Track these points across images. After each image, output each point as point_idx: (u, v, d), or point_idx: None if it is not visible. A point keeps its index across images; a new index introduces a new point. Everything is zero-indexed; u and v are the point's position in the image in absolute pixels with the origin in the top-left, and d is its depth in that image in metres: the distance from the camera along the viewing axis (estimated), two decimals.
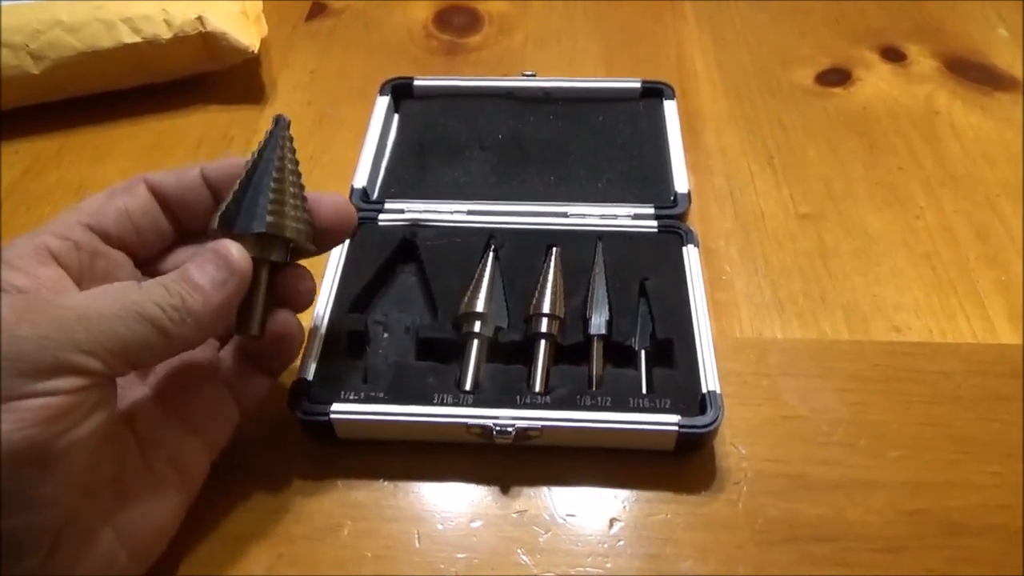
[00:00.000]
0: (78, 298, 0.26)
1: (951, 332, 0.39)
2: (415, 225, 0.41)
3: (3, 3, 0.50)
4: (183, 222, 0.32)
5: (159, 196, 0.31)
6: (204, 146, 0.50)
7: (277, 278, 0.31)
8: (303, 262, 0.33)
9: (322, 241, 0.32)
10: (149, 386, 0.31)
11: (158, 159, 0.49)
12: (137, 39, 0.49)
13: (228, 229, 0.29)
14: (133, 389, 0.31)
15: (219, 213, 0.30)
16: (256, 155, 0.30)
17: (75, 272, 0.29)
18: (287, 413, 0.34)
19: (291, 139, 0.31)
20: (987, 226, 0.44)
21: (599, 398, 0.34)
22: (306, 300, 0.32)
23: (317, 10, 0.61)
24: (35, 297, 0.27)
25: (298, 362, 0.35)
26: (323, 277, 0.38)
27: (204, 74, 0.53)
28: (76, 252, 0.29)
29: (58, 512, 0.25)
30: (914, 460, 0.34)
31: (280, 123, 0.31)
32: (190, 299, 0.27)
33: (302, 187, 0.31)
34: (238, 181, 0.30)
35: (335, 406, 0.33)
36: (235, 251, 0.28)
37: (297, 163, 0.31)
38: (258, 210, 0.29)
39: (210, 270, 0.28)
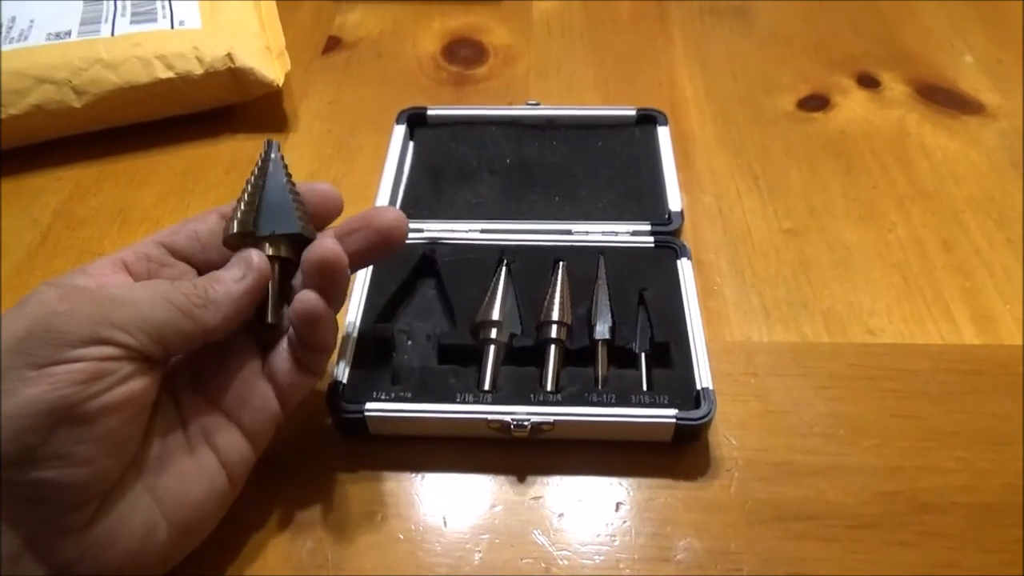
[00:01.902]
0: (115, 287, 0.31)
1: (920, 334, 0.43)
2: (433, 243, 0.45)
3: (47, 42, 0.54)
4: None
5: None
6: (233, 172, 0.54)
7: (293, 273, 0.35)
8: None
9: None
10: (194, 379, 0.34)
11: (191, 184, 0.53)
12: (171, 74, 0.53)
13: (240, 232, 0.33)
14: (178, 381, 0.33)
15: (233, 220, 0.34)
16: (255, 172, 0.35)
17: (142, 279, 0.33)
18: (324, 413, 0.38)
19: (281, 155, 0.35)
20: (953, 238, 0.48)
21: (604, 395, 0.37)
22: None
23: (332, 44, 0.65)
24: (80, 286, 0.31)
25: (334, 366, 0.39)
26: (352, 291, 0.42)
27: (232, 105, 0.56)
28: (146, 262, 0.33)
29: (97, 471, 0.28)
30: (887, 448, 0.38)
31: (271, 146, 0.35)
32: (212, 290, 0.31)
33: (297, 193, 0.35)
34: (245, 193, 0.34)
35: (368, 405, 0.37)
36: (255, 256, 0.33)
37: (291, 175, 0.35)
38: (262, 216, 0.33)
39: (233, 268, 0.32)
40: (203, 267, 0.35)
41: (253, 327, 0.34)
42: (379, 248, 0.35)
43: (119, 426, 0.28)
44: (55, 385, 0.27)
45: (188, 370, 0.34)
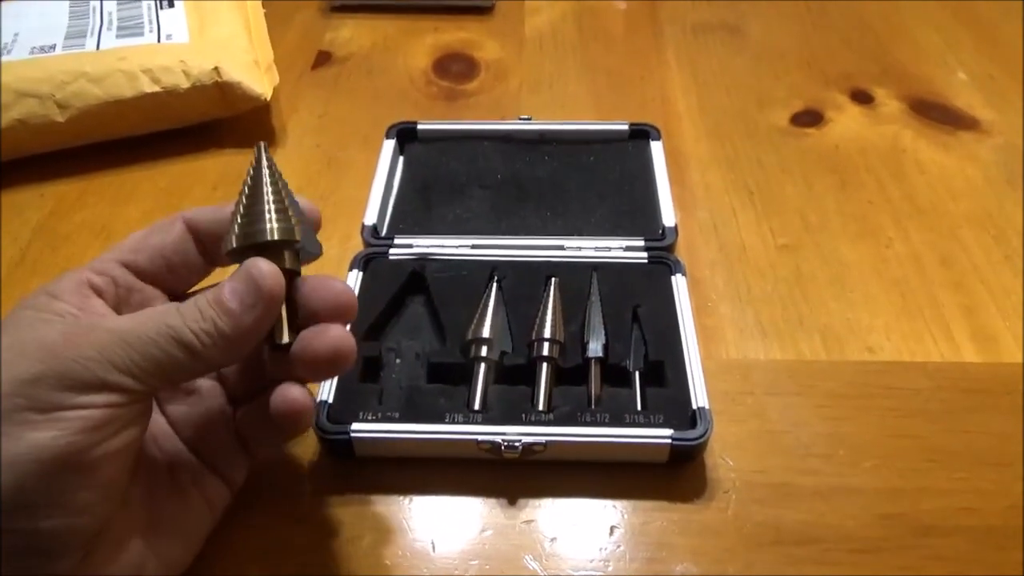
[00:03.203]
0: (119, 322, 0.29)
1: (919, 352, 0.42)
2: (423, 259, 0.44)
3: (30, 56, 0.53)
4: (214, 256, 0.34)
5: (194, 230, 0.33)
6: (220, 188, 0.53)
7: (304, 289, 0.32)
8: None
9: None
10: (172, 420, 0.33)
11: (176, 200, 0.52)
12: (157, 88, 0.52)
13: (240, 245, 0.31)
14: (161, 416, 0.33)
15: (230, 235, 0.31)
16: (248, 181, 0.32)
17: (112, 304, 0.31)
18: (309, 432, 0.37)
19: (273, 161, 0.32)
20: (951, 255, 0.48)
21: (598, 415, 0.37)
22: (345, 299, 0.32)
23: (322, 59, 0.65)
24: (81, 322, 0.29)
25: (319, 386, 0.38)
26: None
27: (219, 120, 0.55)
28: (114, 287, 0.32)
29: (93, 517, 0.27)
30: (887, 469, 0.37)
31: (260, 148, 0.32)
32: (221, 323, 0.28)
33: (295, 200, 0.32)
34: (240, 206, 0.31)
35: (354, 425, 0.36)
36: (269, 279, 0.29)
37: (285, 181, 0.32)
38: (264, 223, 0.31)
39: (240, 290, 0.29)
40: (173, 287, 0.33)
41: (264, 346, 0.31)
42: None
43: (119, 470, 0.28)
44: (65, 431, 0.26)
45: (163, 408, 0.34)
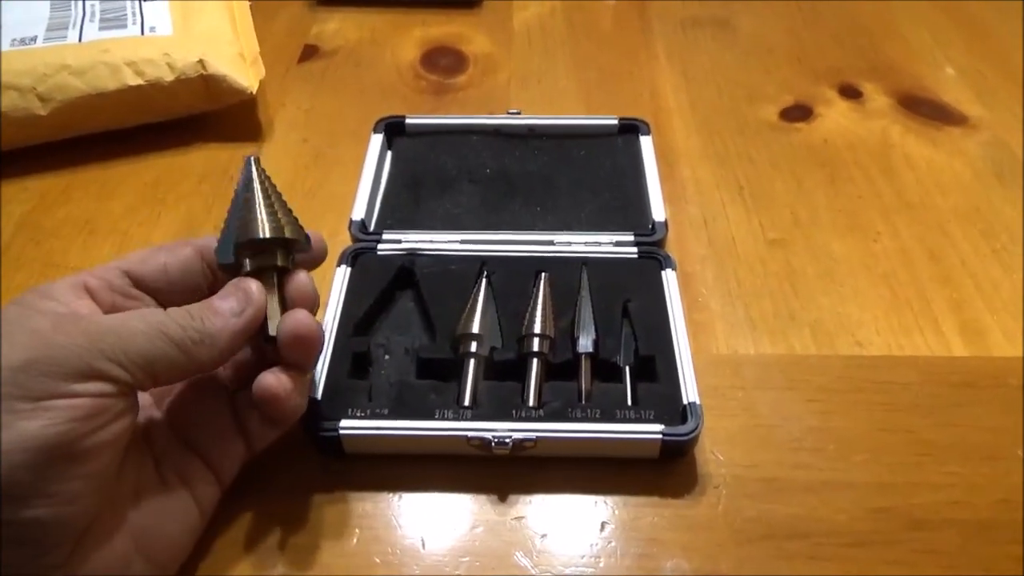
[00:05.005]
0: (109, 317, 0.30)
1: (909, 346, 0.42)
2: (412, 254, 0.44)
3: (11, 48, 0.53)
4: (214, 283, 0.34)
5: (207, 258, 0.34)
6: (206, 182, 0.52)
7: (285, 284, 0.34)
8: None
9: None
10: (164, 413, 0.33)
11: (161, 194, 0.51)
12: (141, 81, 0.51)
13: (234, 244, 0.33)
14: (151, 412, 0.33)
15: (222, 237, 0.33)
16: (240, 188, 0.34)
17: (107, 307, 0.32)
18: (297, 430, 0.36)
19: (263, 169, 0.34)
20: (940, 249, 0.48)
21: (588, 410, 0.36)
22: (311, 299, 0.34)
23: (309, 52, 0.64)
24: (71, 315, 0.30)
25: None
26: (327, 303, 0.41)
27: (204, 113, 0.55)
28: (109, 291, 0.32)
29: (82, 508, 0.27)
30: (877, 463, 0.37)
31: (249, 160, 0.34)
32: (210, 323, 0.30)
33: (285, 202, 0.34)
34: (230, 212, 0.33)
35: (343, 422, 0.36)
36: (254, 287, 0.32)
37: (275, 186, 0.34)
38: (256, 223, 0.33)
39: (231, 300, 0.31)
40: (167, 303, 0.33)
41: (254, 339, 0.33)
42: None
43: (108, 463, 0.28)
44: (55, 420, 0.26)
45: (159, 403, 0.34)
